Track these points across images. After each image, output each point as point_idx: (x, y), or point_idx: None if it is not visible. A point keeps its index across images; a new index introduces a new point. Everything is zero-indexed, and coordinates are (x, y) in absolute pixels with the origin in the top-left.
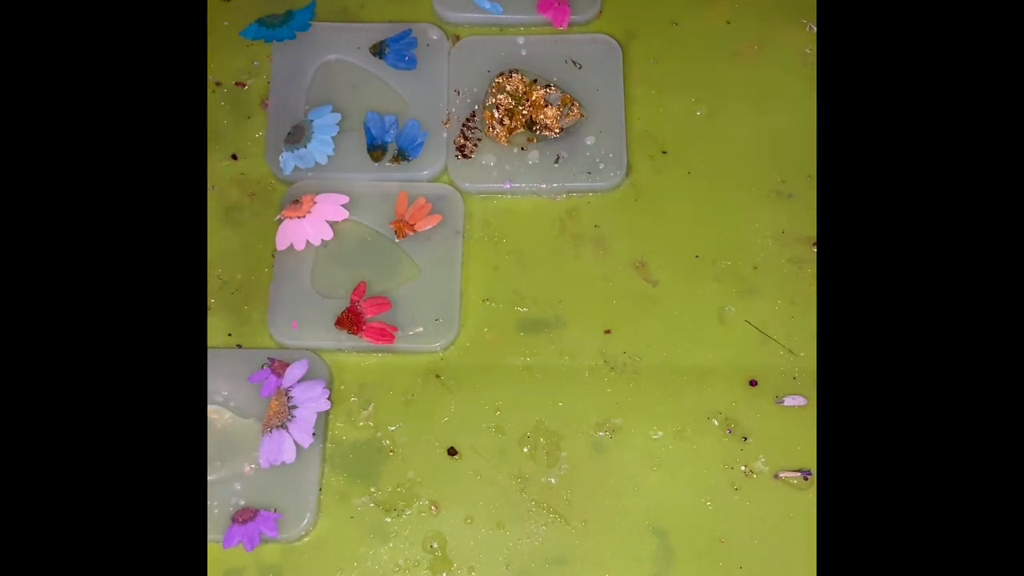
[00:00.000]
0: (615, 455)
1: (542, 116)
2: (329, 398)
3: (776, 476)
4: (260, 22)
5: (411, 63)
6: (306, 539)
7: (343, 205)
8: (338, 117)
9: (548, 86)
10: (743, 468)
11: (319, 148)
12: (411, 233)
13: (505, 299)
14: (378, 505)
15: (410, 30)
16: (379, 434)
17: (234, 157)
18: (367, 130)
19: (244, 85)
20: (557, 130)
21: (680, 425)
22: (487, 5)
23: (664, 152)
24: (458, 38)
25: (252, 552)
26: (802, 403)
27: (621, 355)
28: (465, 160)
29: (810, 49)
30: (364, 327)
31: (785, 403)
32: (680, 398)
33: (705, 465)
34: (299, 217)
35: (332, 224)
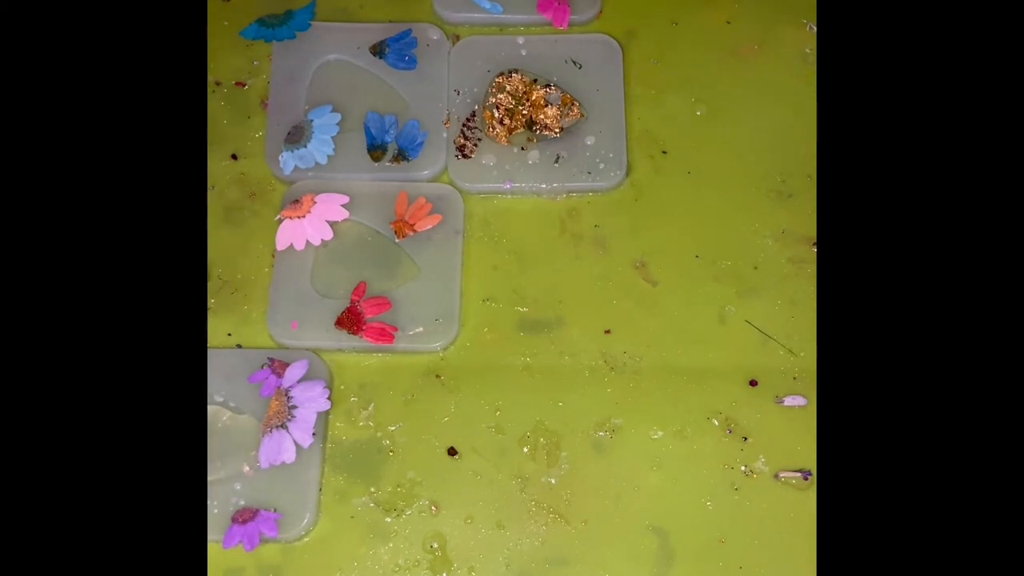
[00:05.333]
0: (615, 455)
1: (542, 116)
2: (329, 398)
3: (776, 476)
4: (260, 22)
5: (411, 63)
6: (306, 539)
7: (343, 205)
8: (338, 117)
9: (548, 86)
10: (743, 468)
11: (319, 148)
12: (411, 233)
13: (505, 299)
14: (378, 505)
15: (410, 30)
16: (379, 434)
17: (234, 157)
18: (367, 130)
19: (244, 85)
20: (557, 130)
21: (680, 425)
22: (487, 5)
23: (664, 152)
24: (458, 38)
25: (252, 552)
26: (802, 403)
27: (621, 355)
28: (465, 160)
29: (810, 49)
30: (364, 327)
31: (785, 403)
32: (680, 398)
33: (705, 465)
34: (299, 217)
35: (332, 224)
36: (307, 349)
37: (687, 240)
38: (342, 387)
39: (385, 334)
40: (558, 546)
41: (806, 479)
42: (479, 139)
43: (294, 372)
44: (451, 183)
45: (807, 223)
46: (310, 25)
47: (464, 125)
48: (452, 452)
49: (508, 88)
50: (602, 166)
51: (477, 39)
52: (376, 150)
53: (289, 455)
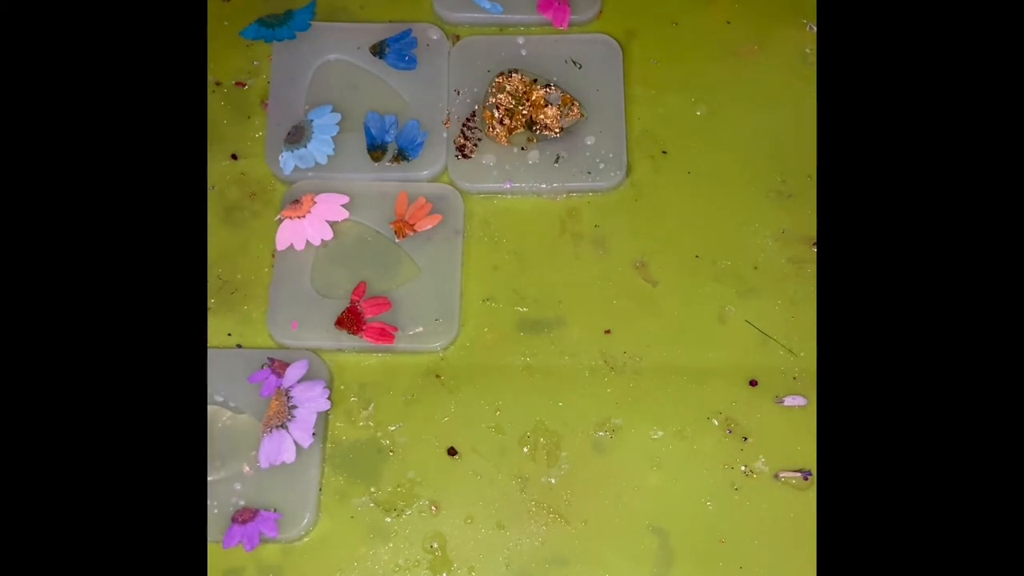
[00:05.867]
0: (615, 455)
1: (542, 116)
2: (329, 398)
3: (776, 476)
4: (260, 22)
5: (411, 63)
6: (306, 539)
7: (343, 205)
8: (338, 117)
9: (548, 86)
10: (743, 468)
11: (319, 148)
12: (411, 233)
13: (505, 299)
14: (378, 505)
15: (410, 30)
16: (379, 434)
17: (234, 157)
18: (367, 130)
19: (244, 85)
20: (557, 130)
21: (680, 425)
22: (487, 5)
23: (664, 152)
24: (458, 38)
25: (252, 552)
26: (802, 403)
27: (621, 355)
28: (465, 160)
29: (810, 49)
30: (364, 327)
31: (785, 403)
32: (680, 398)
33: (705, 465)
34: (299, 217)
35: (332, 224)
36: (307, 349)
37: (687, 240)
38: (342, 387)
39: (385, 334)
40: (558, 546)
41: (806, 479)
42: (479, 139)
43: (294, 372)
44: (451, 183)
45: (807, 223)
46: (310, 25)
47: (464, 125)
48: (452, 452)
49: (508, 88)
50: (602, 166)
51: (477, 39)
52: (376, 150)
53: (289, 455)
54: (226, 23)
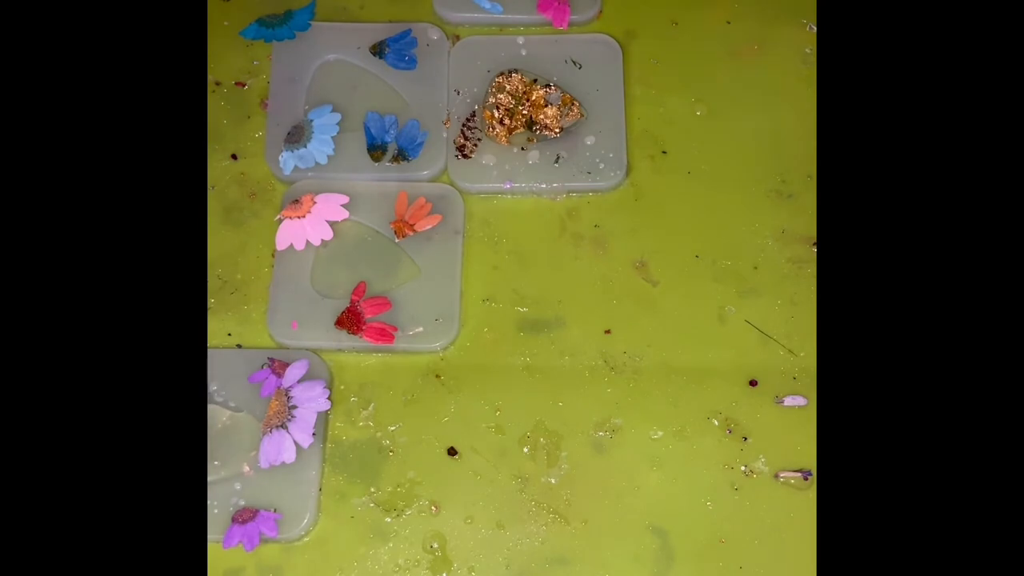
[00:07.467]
0: (615, 455)
1: (542, 116)
2: (329, 398)
3: (776, 476)
4: (260, 22)
5: (411, 63)
6: (306, 539)
7: (343, 205)
8: (338, 117)
9: (548, 86)
10: (743, 468)
11: (319, 148)
12: (411, 233)
13: (505, 299)
14: (378, 505)
15: (410, 30)
16: (379, 434)
17: (234, 157)
18: (367, 130)
19: (244, 85)
20: (557, 130)
21: (680, 425)
22: (487, 5)
23: (664, 152)
24: (458, 38)
25: (252, 552)
26: (802, 403)
27: (621, 355)
28: (465, 160)
29: (810, 49)
30: (364, 327)
31: (785, 403)
32: (680, 398)
33: (705, 465)
34: (299, 217)
35: (332, 224)
36: (307, 349)
37: (687, 240)
38: (342, 387)
39: (385, 334)
40: (558, 546)
41: (806, 479)
42: (479, 139)
43: (294, 372)
44: (451, 183)
45: (807, 223)
46: (310, 25)
47: (464, 125)
48: (452, 452)
49: (508, 88)
50: (602, 166)
51: (477, 39)
52: (376, 150)
53: (289, 455)
54: (226, 23)
